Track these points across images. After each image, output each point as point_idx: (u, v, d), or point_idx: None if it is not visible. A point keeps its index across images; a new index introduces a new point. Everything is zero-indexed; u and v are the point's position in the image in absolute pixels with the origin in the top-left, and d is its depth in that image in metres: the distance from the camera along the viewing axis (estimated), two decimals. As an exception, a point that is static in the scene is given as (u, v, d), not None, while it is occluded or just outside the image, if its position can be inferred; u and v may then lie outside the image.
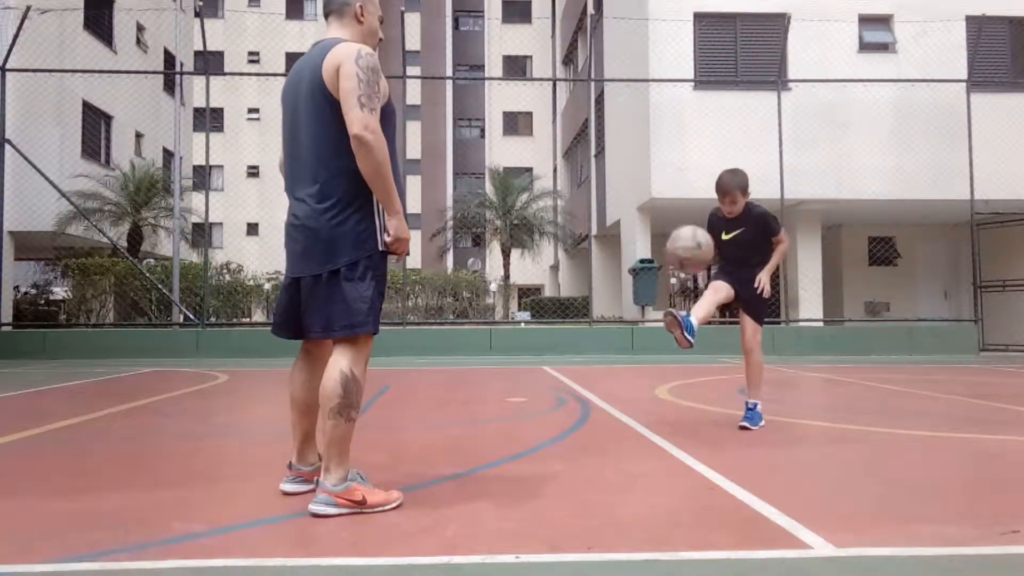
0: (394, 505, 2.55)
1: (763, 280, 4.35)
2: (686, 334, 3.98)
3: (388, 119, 2.55)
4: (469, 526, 2.38)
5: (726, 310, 4.49)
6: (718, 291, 4.41)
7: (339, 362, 2.49)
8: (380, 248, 2.54)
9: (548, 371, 8.86)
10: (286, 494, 2.76)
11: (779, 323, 13.78)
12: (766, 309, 4.51)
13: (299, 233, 2.56)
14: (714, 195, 4.50)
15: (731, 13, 14.86)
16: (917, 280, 18.21)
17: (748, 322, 4.44)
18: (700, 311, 4.22)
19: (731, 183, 4.29)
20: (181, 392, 6.67)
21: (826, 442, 3.96)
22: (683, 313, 4.07)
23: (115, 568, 2.00)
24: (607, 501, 2.71)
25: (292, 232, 2.60)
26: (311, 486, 2.71)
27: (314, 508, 2.45)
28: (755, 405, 4.40)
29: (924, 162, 13.95)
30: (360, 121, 2.39)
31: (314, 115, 2.52)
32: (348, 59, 2.45)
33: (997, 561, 2.06)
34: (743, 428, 4.31)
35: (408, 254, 2.61)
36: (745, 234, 4.41)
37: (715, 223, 4.51)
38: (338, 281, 2.49)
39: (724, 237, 4.49)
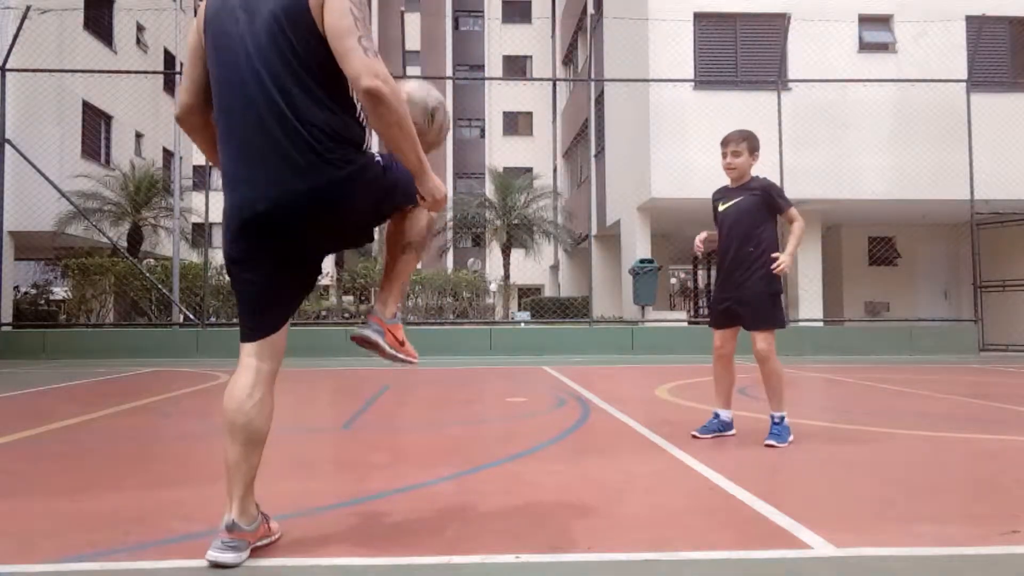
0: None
1: (785, 262, 3.77)
2: (727, 433, 4.06)
3: None
4: (469, 526, 2.38)
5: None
6: (725, 359, 4.07)
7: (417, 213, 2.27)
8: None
9: (548, 371, 8.85)
10: (215, 565, 1.96)
11: (779, 323, 13.76)
12: (777, 313, 3.93)
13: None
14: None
15: (731, 13, 14.85)
16: (917, 280, 18.20)
17: (756, 335, 3.87)
18: (722, 397, 4.09)
19: (734, 132, 3.96)
20: (181, 392, 6.67)
21: (826, 442, 3.96)
22: (717, 423, 4.04)
23: (115, 568, 2.00)
24: (607, 501, 2.71)
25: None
26: (246, 553, 2.02)
27: (363, 331, 2.23)
28: (781, 419, 3.85)
29: (924, 162, 13.93)
30: (369, 69, 1.86)
31: (279, 59, 1.94)
32: None
33: (997, 561, 2.06)
34: (769, 446, 3.73)
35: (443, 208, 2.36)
36: (744, 203, 3.92)
37: (716, 198, 4.12)
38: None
39: (721, 208, 4.04)
